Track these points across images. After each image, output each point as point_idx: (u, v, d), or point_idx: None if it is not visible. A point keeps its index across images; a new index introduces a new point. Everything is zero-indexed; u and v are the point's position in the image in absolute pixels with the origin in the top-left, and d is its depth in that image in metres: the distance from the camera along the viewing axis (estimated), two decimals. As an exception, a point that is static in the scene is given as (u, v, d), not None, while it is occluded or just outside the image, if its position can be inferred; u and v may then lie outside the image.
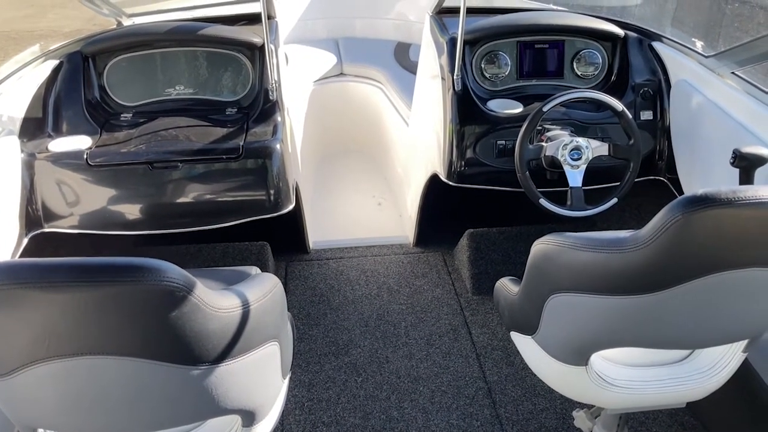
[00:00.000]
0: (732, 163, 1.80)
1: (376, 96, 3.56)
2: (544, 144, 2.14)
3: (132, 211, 2.11)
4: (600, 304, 1.40)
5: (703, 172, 2.18)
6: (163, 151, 2.07)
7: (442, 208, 2.96)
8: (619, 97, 2.37)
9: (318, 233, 3.09)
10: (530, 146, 2.12)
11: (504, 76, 2.46)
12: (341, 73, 3.67)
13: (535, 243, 1.63)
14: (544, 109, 2.09)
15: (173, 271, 1.01)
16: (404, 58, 3.67)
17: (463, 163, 2.36)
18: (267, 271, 2.64)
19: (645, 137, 2.38)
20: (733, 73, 2.10)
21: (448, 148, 2.37)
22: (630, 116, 2.12)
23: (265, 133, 2.17)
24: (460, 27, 2.21)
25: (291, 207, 2.21)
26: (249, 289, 1.25)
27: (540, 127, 2.29)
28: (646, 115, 2.39)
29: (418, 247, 2.99)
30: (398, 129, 3.30)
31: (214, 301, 1.09)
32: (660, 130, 2.39)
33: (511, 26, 2.41)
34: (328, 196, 3.45)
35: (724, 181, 2.06)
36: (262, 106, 2.27)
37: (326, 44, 3.84)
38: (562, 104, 2.09)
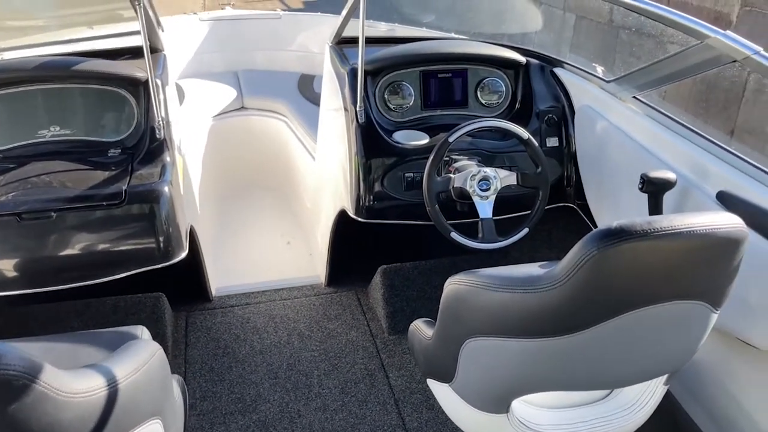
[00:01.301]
0: (640, 189, 1.76)
1: (280, 129, 3.42)
2: (452, 175, 2.05)
3: (3, 268, 1.87)
4: (518, 348, 1.30)
5: (611, 197, 2.16)
6: (33, 200, 1.84)
7: (354, 245, 2.83)
8: (524, 125, 2.33)
9: (222, 278, 2.89)
10: (438, 178, 2.03)
11: (409, 106, 2.37)
12: (242, 107, 3.50)
13: (447, 282, 1.52)
14: (450, 139, 2.01)
15: (9, 355, 0.82)
16: (308, 89, 3.55)
17: (371, 197, 2.25)
18: (163, 326, 2.43)
19: (552, 164, 2.34)
20: (634, 97, 2.09)
21: (354, 182, 2.26)
22: (536, 144, 2.07)
23: (151, 175, 1.98)
24: (360, 57, 2.11)
25: (183, 255, 2.02)
26: (118, 362, 1.07)
27: (447, 158, 2.21)
28: (552, 141, 2.35)
29: (331, 287, 2.84)
30: (305, 163, 3.16)
31: (67, 385, 0.91)
32: (566, 156, 2.37)
33: (413, 55, 2.34)
34: (232, 237, 3.25)
35: (633, 207, 2.04)
36: (148, 146, 2.08)
37: (225, 77, 3.67)
38: (467, 134, 2.02)
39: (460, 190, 2.07)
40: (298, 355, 2.44)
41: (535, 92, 2.39)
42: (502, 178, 2.07)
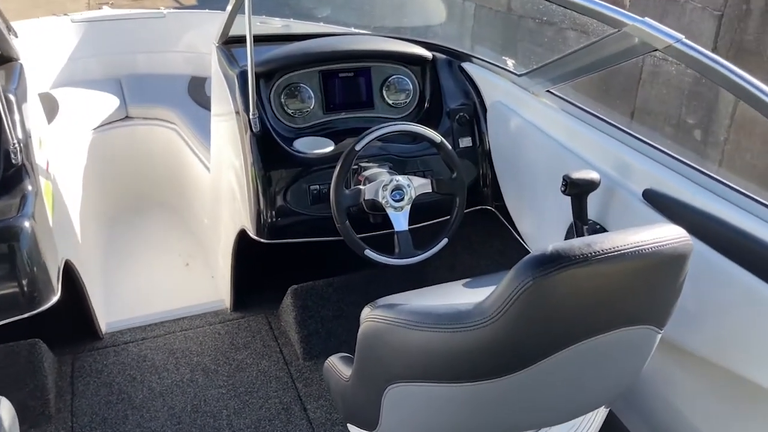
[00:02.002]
0: (563, 191, 1.63)
1: (171, 139, 3.11)
2: (362, 187, 1.85)
3: None
4: (448, 394, 1.12)
5: (530, 197, 2.03)
6: None
7: (260, 264, 2.58)
8: (435, 125, 2.17)
9: (113, 311, 2.58)
10: (347, 191, 1.83)
11: (309, 110, 2.15)
12: (126, 117, 3.17)
13: (363, 318, 1.32)
14: (357, 147, 1.81)
15: None
16: (200, 93, 3.25)
17: (273, 215, 2.02)
18: (42, 377, 2.10)
19: (467, 165, 2.19)
20: (548, 91, 1.96)
21: (253, 198, 2.02)
22: (449, 147, 1.91)
23: (7, 210, 1.67)
24: (249, 58, 1.88)
25: (55, 299, 1.73)
26: None
27: (356, 167, 2.01)
28: (465, 141, 2.20)
29: (237, 311, 2.59)
30: (199, 175, 2.88)
31: None
32: (481, 156, 2.22)
33: (309, 54, 2.12)
34: (123, 262, 2.92)
35: (553, 207, 1.91)
36: (2, 175, 1.76)
37: (106, 85, 3.31)
38: (376, 140, 1.83)
39: (372, 202, 1.88)
40: (203, 394, 2.19)
41: (444, 89, 2.22)
42: (416, 186, 1.89)
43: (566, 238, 1.85)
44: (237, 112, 2.07)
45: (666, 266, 1.05)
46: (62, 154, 2.64)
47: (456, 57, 2.29)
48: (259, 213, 2.02)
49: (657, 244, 1.01)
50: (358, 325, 2.43)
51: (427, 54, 2.22)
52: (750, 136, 4.70)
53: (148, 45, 3.43)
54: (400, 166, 2.09)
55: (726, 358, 1.40)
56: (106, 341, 2.40)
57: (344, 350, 2.43)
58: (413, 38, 2.31)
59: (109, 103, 3.13)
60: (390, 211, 1.87)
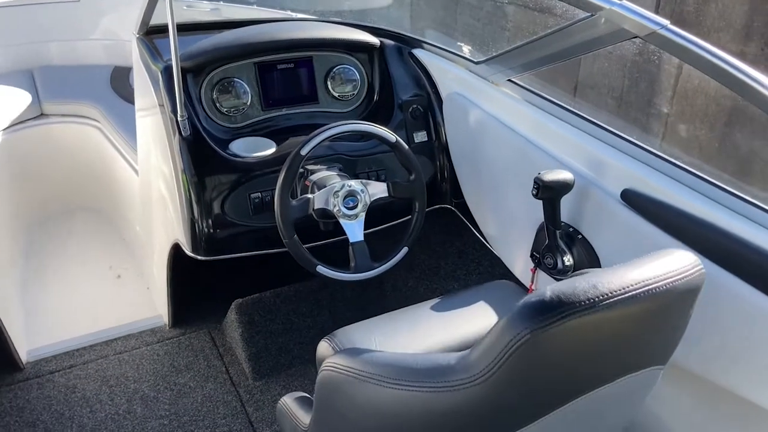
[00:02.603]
0: (535, 195, 1.47)
1: (93, 138, 2.82)
2: (310, 196, 1.65)
3: None
4: (428, 459, 0.95)
5: (492, 195, 1.87)
6: None
7: (198, 277, 2.36)
8: (387, 119, 1.98)
9: (35, 336, 2.31)
10: (293, 202, 1.63)
11: (245, 108, 1.92)
12: (41, 114, 2.85)
13: (323, 365, 1.14)
14: (303, 152, 1.61)
15: None
16: (124, 86, 2.96)
17: (209, 227, 1.80)
18: None
19: (423, 162, 2.01)
20: (509, 80, 1.79)
21: (186, 209, 1.79)
22: (406, 147, 1.72)
23: None
24: (173, 51, 1.64)
25: None
26: None
27: (302, 170, 1.81)
28: (420, 136, 2.02)
29: (177, 328, 2.36)
30: (127, 178, 2.61)
31: None
32: (438, 151, 2.05)
33: (243, 45, 1.89)
34: (44, 277, 2.64)
35: (518, 205, 1.76)
36: None
37: (16, 79, 2.98)
38: (324, 142, 1.63)
39: (323, 211, 1.68)
40: (143, 426, 1.96)
41: (395, 79, 2.03)
42: (371, 191, 1.70)
43: (536, 242, 1.70)
44: (162, 113, 1.83)
45: (679, 302, 0.90)
46: None
47: (405, 43, 2.09)
48: (193, 226, 1.80)
49: (671, 279, 0.86)
50: (311, 337, 2.26)
51: (374, 41, 2.01)
52: (692, 107, 4.69)
53: (62, 33, 3.10)
54: (351, 166, 1.89)
55: (714, 372, 1.28)
56: (27, 372, 2.14)
57: (297, 365, 2.25)
58: (358, 23, 2.10)
59: (20, 99, 2.80)
60: (343, 221, 1.68)
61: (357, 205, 1.68)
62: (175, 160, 1.79)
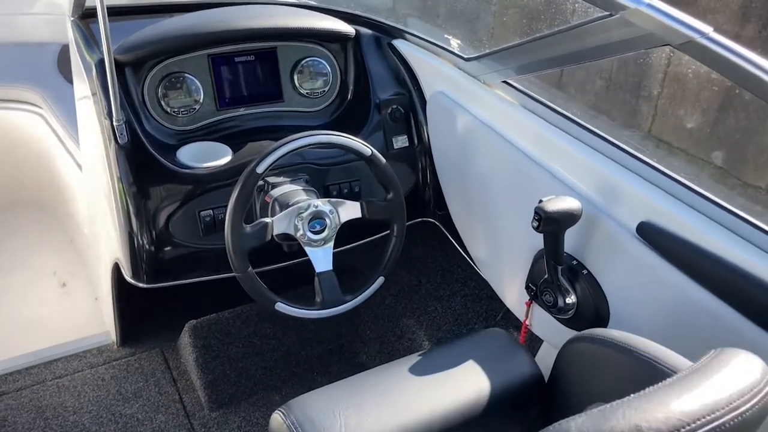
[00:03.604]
0: (536, 228, 1.23)
1: (35, 127, 2.51)
2: (268, 221, 1.39)
3: None
4: None
5: (481, 213, 1.63)
6: None
7: (148, 294, 2.10)
8: (362, 121, 1.72)
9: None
10: (247, 229, 1.37)
11: (197, 108, 1.65)
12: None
13: None
14: (259, 170, 1.35)
15: None
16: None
17: (151, 246, 1.54)
18: None
19: (404, 170, 1.77)
20: (504, 82, 1.54)
21: (124, 223, 1.53)
22: (383, 161, 1.46)
23: None
24: (104, 41, 1.36)
25: None
26: None
27: (261, 182, 1.55)
28: (401, 141, 1.76)
29: (126, 346, 2.10)
30: (72, 173, 2.32)
31: None
32: (420, 157, 1.80)
33: (192, 35, 1.60)
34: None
35: (512, 230, 1.53)
36: None
37: None
38: (283, 157, 1.37)
39: (285, 235, 1.43)
40: None
41: (372, 75, 1.76)
42: (342, 212, 1.45)
43: (532, 271, 1.47)
44: (99, 111, 1.56)
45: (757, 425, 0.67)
46: None
47: (385, 33, 1.82)
48: (132, 243, 1.54)
49: (756, 397, 0.63)
50: (276, 360, 2.02)
51: (349, 30, 1.74)
52: (684, 90, 4.48)
53: None
54: (319, 177, 1.64)
55: None
56: None
57: (259, 393, 2.01)
58: (330, 7, 1.82)
59: None
60: (308, 248, 1.43)
61: (324, 228, 1.43)
62: (111, 167, 1.53)
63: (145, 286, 1.57)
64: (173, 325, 2.06)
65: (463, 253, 1.77)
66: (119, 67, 1.55)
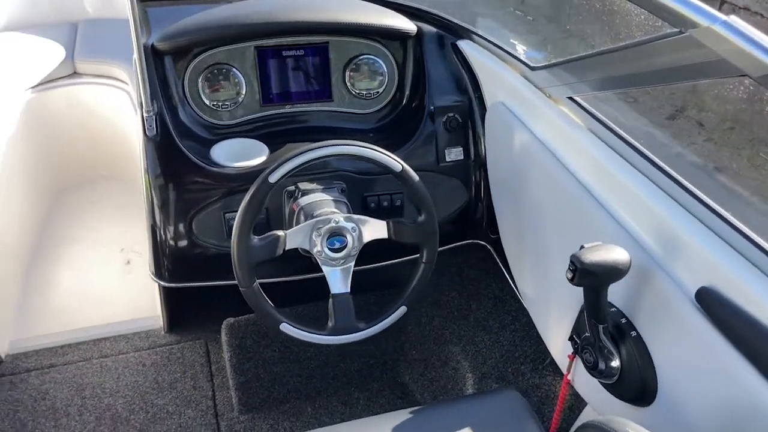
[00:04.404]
0: (570, 279, 1.03)
1: (121, 103, 2.56)
2: (280, 234, 1.28)
3: None
4: None
5: (531, 241, 1.44)
6: None
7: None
8: (413, 130, 1.56)
9: (28, 324, 2.12)
10: (256, 241, 1.26)
11: (239, 102, 1.57)
12: (74, 73, 2.63)
13: None
14: (272, 179, 1.23)
15: None
16: None
17: (173, 247, 1.48)
18: None
19: (455, 187, 1.60)
20: (570, 98, 1.32)
21: (148, 220, 1.49)
22: (415, 179, 1.30)
23: None
24: (133, 30, 1.31)
25: None
26: None
27: (292, 187, 1.45)
28: (455, 153, 1.59)
29: (173, 333, 2.09)
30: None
31: None
32: (474, 173, 1.62)
33: (238, 25, 1.51)
34: (55, 253, 2.44)
35: (559, 266, 1.32)
36: None
37: (59, 32, 2.76)
38: (300, 168, 1.25)
39: (301, 250, 1.32)
40: None
41: (431, 78, 1.60)
42: (366, 230, 1.31)
43: (578, 322, 1.26)
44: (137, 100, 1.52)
45: None
46: None
47: (450, 32, 1.64)
48: (155, 240, 1.49)
49: None
50: (312, 369, 1.92)
51: (410, 27, 1.59)
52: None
53: None
54: (357, 187, 1.51)
55: None
56: (4, 368, 1.95)
57: (291, 401, 1.93)
58: (391, 1, 1.67)
59: (54, 55, 2.58)
60: (325, 267, 1.31)
61: (344, 246, 1.30)
62: (141, 157, 1.48)
63: (165, 285, 1.52)
64: (217, 319, 2.02)
65: (512, 283, 1.57)
66: (159, 55, 1.50)
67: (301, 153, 1.23)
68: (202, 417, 1.83)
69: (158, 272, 1.52)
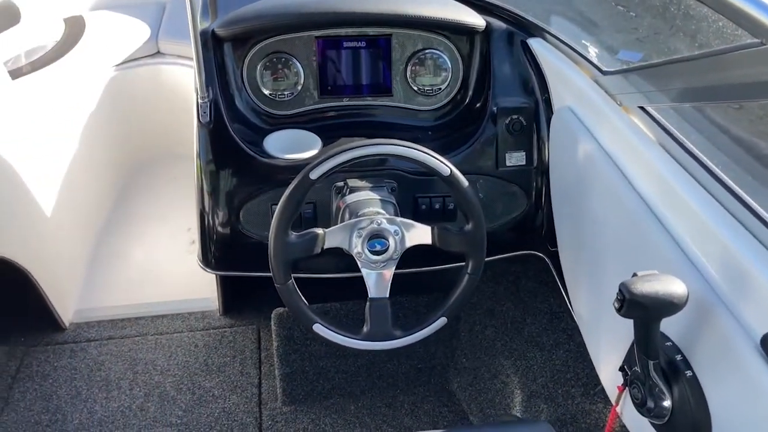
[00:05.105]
0: (618, 309, 0.94)
1: (199, 84, 2.60)
2: (319, 232, 1.24)
3: None
4: None
5: (589, 260, 1.33)
6: None
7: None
8: (473, 131, 1.49)
9: (95, 293, 2.19)
10: (293, 236, 1.23)
11: (297, 92, 1.54)
12: (158, 53, 2.69)
13: None
14: (312, 176, 1.19)
15: None
16: None
17: (220, 233, 1.48)
18: None
19: (514, 193, 1.51)
20: (641, 108, 1.21)
21: (197, 204, 1.49)
22: (464, 184, 1.23)
23: None
24: (189, 15, 1.30)
25: None
26: None
27: (341, 183, 1.41)
28: (516, 158, 1.50)
29: (228, 316, 2.11)
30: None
31: None
32: (536, 180, 1.52)
33: (299, 14, 1.48)
34: (127, 226, 2.52)
35: (616, 275, 1.21)
36: None
37: (148, 11, 2.84)
38: (343, 166, 1.20)
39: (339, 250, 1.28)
40: (149, 431, 1.76)
41: (496, 77, 1.51)
42: (409, 234, 1.25)
43: (629, 353, 1.16)
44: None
45: None
46: (68, 94, 2.23)
47: (521, 28, 1.54)
48: (203, 225, 1.50)
49: None
50: (358, 367, 1.89)
51: (479, 22, 1.50)
52: None
53: None
54: (408, 187, 1.45)
55: None
56: (67, 335, 2.03)
57: (334, 397, 1.90)
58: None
59: (139, 33, 2.65)
60: (364, 270, 1.26)
61: (386, 250, 1.24)
62: (195, 141, 1.48)
63: (211, 272, 1.52)
64: (269, 306, 2.02)
65: (567, 301, 1.47)
66: (219, 41, 1.49)
67: (344, 150, 1.18)
68: (245, 404, 1.84)
69: (205, 259, 1.53)
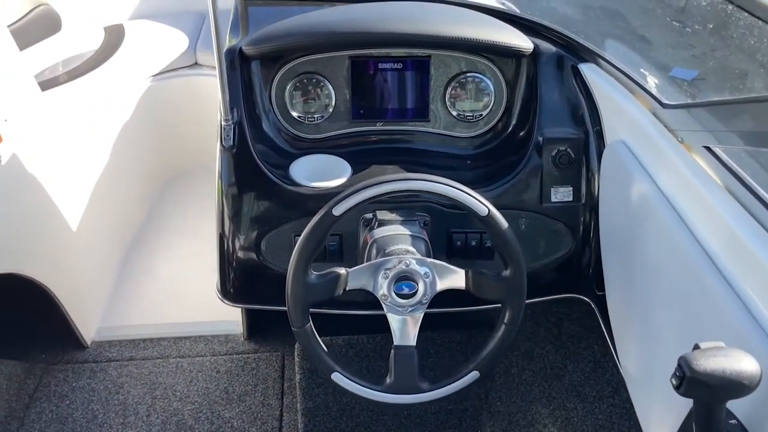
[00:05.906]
0: (676, 387, 0.81)
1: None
2: (341, 272, 1.14)
3: None
4: None
5: (639, 305, 1.20)
6: None
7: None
8: (515, 162, 1.37)
9: (117, 311, 2.14)
10: (313, 278, 1.13)
11: (327, 116, 1.45)
12: (195, 63, 2.64)
13: None
14: (336, 212, 1.09)
15: None
16: None
17: (239, 260, 1.40)
18: None
19: (559, 231, 1.38)
20: (706, 147, 1.08)
21: (218, 220, 1.41)
22: (504, 225, 1.11)
23: None
24: (213, 34, 1.22)
25: None
26: None
27: (370, 215, 1.30)
28: (562, 193, 1.38)
29: (252, 341, 2.03)
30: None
31: None
32: (584, 216, 1.39)
33: (332, 33, 1.38)
34: (157, 241, 2.47)
35: (671, 351, 1.08)
36: None
37: (188, 20, 2.79)
38: (370, 201, 1.10)
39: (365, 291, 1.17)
40: None
41: (543, 104, 1.39)
42: (440, 277, 1.14)
43: (686, 423, 1.02)
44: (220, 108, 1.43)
45: None
46: (101, 104, 2.19)
47: (572, 52, 1.42)
48: (222, 250, 1.41)
49: None
50: (385, 406, 1.78)
51: (526, 45, 1.38)
52: None
53: None
54: (443, 221, 1.34)
55: None
56: (87, 354, 1.97)
57: (360, 434, 1.81)
58: (506, 11, 1.47)
59: (177, 44, 2.61)
60: (390, 315, 1.15)
61: (414, 293, 1.14)
62: (217, 162, 1.40)
63: (230, 304, 1.43)
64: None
65: (613, 350, 1.34)
66: (246, 60, 1.40)
67: (371, 186, 1.08)
68: None
69: (223, 288, 1.44)
